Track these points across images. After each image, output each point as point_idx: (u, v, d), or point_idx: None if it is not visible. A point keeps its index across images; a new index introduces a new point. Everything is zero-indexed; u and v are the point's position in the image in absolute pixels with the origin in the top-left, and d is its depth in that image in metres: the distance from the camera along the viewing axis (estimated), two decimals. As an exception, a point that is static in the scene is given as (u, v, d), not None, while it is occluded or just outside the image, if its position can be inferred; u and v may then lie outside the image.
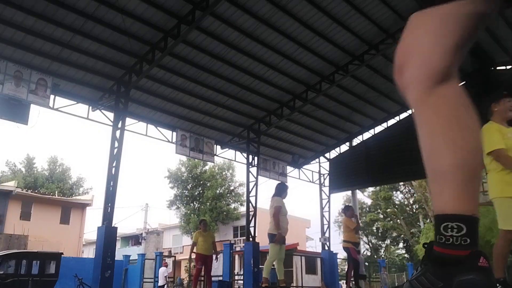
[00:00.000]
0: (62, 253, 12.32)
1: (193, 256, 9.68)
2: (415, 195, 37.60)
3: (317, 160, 17.61)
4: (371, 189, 35.97)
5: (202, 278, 10.27)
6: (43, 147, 58.96)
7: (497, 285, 2.71)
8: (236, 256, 22.08)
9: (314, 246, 32.74)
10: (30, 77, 9.61)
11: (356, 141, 17.20)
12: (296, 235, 23.84)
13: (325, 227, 16.84)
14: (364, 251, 36.45)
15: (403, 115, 16.30)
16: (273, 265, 7.57)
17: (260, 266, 14.02)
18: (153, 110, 12.70)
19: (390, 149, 15.84)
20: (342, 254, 18.81)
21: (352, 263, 8.64)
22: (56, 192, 32.90)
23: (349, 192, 19.74)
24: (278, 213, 7.11)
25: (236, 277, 17.56)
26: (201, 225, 10.24)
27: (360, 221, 9.00)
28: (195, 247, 9.66)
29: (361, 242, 30.67)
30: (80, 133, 69.60)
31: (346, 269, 11.15)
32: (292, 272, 20.50)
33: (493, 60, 14.37)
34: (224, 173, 32.79)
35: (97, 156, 71.51)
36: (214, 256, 9.85)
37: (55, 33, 9.59)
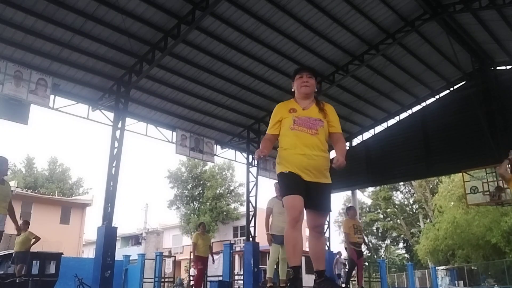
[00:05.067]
0: (62, 253, 12.31)
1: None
2: (415, 195, 37.61)
3: (317, 160, 17.60)
4: (371, 189, 36.00)
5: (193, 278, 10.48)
6: (43, 147, 58.98)
7: None
8: (236, 256, 22.09)
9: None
10: (30, 77, 9.60)
11: (356, 141, 17.20)
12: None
13: (325, 227, 16.84)
14: (364, 251, 36.34)
15: (403, 115, 16.33)
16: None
17: (260, 266, 14.04)
18: (153, 110, 12.69)
19: (390, 149, 15.83)
20: (341, 254, 18.80)
21: (350, 263, 8.69)
22: (56, 192, 32.90)
23: (349, 192, 19.73)
24: (266, 215, 7.33)
25: (236, 277, 17.56)
26: (200, 228, 10.37)
27: (359, 222, 9.04)
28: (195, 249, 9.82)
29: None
30: (80, 133, 69.56)
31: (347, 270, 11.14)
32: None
33: (493, 60, 14.37)
34: (224, 173, 32.81)
35: (97, 156, 71.49)
36: (211, 258, 10.04)
37: (55, 33, 9.59)
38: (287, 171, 2.99)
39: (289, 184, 2.98)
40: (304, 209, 3.00)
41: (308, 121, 3.07)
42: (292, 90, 3.34)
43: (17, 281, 9.30)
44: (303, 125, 3.05)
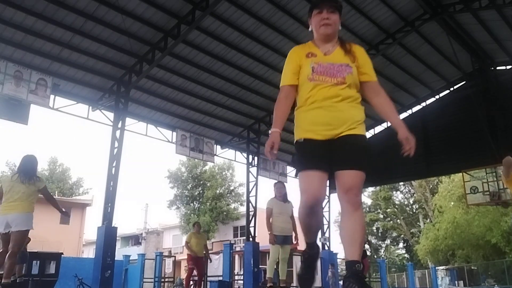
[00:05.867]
0: (62, 253, 12.29)
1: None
2: (415, 195, 37.62)
3: (317, 160, 17.59)
4: (371, 189, 35.99)
5: (196, 278, 10.58)
6: (43, 147, 58.98)
7: None
8: (236, 256, 22.08)
9: (314, 246, 32.65)
10: (30, 77, 9.60)
11: (356, 141, 17.17)
12: (296, 235, 23.82)
13: (325, 227, 16.84)
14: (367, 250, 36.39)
15: (403, 115, 16.32)
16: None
17: (260, 266, 14.04)
18: (153, 110, 12.69)
19: (390, 149, 15.78)
20: (342, 254, 18.80)
21: None
22: (56, 192, 32.90)
23: (349, 192, 19.70)
24: (267, 216, 7.37)
25: (236, 277, 17.56)
26: (195, 227, 10.44)
27: None
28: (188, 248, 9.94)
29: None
30: (80, 133, 69.60)
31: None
32: (292, 272, 20.50)
33: (493, 60, 14.37)
34: (224, 173, 32.81)
35: (97, 156, 71.55)
36: (210, 258, 10.11)
37: (55, 33, 9.59)
38: (302, 139, 2.32)
39: (303, 156, 2.32)
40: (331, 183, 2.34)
41: (331, 68, 2.34)
42: (309, 29, 2.56)
43: (17, 281, 9.31)
44: (324, 73, 2.33)
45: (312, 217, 2.38)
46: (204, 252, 10.19)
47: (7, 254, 5.31)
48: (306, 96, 2.37)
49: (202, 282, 10.38)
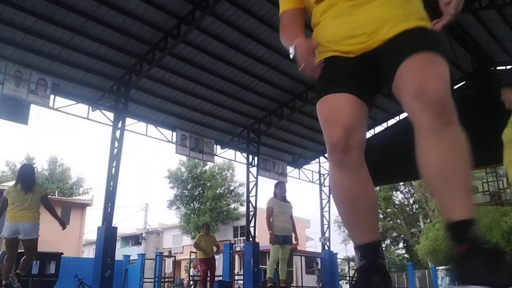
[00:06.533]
0: (62, 253, 12.30)
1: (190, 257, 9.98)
2: (415, 195, 37.63)
3: (317, 160, 17.62)
4: (371, 189, 35.95)
5: (196, 279, 10.64)
6: (43, 147, 59.02)
7: None
8: (236, 256, 22.12)
9: (314, 246, 32.75)
10: (30, 77, 9.60)
11: (356, 141, 17.14)
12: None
13: (325, 227, 16.83)
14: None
15: (403, 115, 16.33)
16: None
17: (260, 266, 14.06)
18: (153, 110, 12.69)
19: (390, 149, 15.81)
20: (342, 254, 18.81)
21: None
22: (56, 192, 32.92)
23: (349, 192, 19.69)
24: (268, 215, 7.41)
25: (236, 277, 17.57)
26: (203, 229, 10.41)
27: None
28: (197, 251, 9.97)
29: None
30: (80, 133, 69.67)
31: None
32: (292, 272, 20.52)
33: (493, 60, 14.37)
34: (224, 173, 32.83)
35: (97, 156, 71.59)
36: (217, 256, 10.19)
37: (55, 33, 9.59)
38: (322, 60, 1.63)
39: (322, 78, 1.59)
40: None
41: None
42: None
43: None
44: None
45: (351, 173, 1.50)
46: (215, 250, 10.31)
47: (24, 256, 5.79)
48: (321, 8, 1.66)
49: (202, 282, 10.39)
